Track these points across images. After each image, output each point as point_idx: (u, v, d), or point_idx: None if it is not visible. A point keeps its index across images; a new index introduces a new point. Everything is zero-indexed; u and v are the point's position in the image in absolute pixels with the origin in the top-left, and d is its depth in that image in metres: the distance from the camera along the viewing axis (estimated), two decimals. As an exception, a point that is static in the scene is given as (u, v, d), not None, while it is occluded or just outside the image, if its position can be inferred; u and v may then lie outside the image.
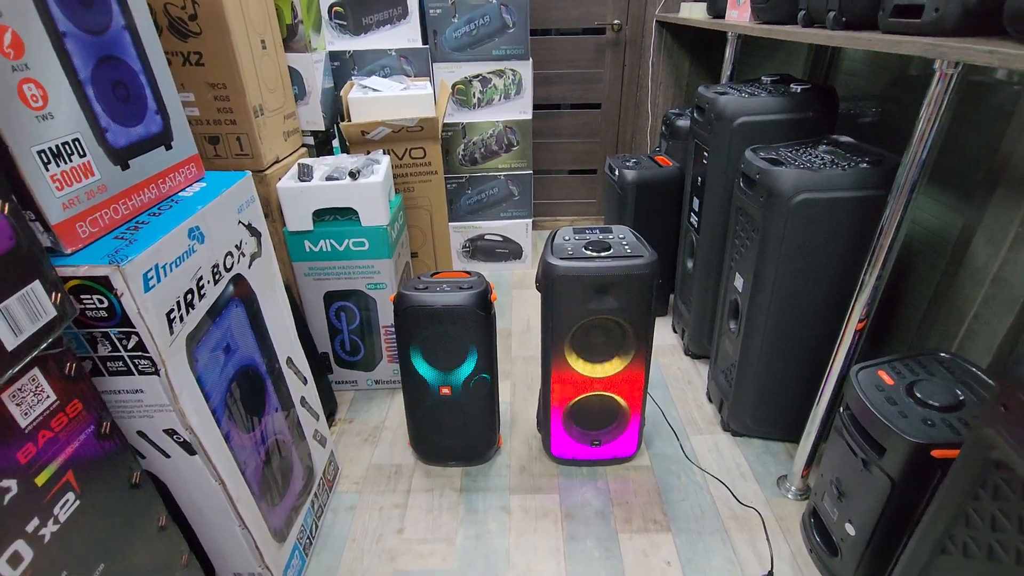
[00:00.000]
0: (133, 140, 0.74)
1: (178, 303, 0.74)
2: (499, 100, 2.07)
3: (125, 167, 0.72)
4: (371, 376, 1.63)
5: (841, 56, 1.55)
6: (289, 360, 1.09)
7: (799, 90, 1.32)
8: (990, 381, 0.86)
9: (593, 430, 1.31)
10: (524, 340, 1.89)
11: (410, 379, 1.26)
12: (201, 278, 0.79)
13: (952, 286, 1.07)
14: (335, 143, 1.80)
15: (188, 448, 0.79)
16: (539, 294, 1.17)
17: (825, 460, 1.04)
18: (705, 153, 1.46)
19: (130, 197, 0.73)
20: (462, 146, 2.13)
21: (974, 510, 0.61)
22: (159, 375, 0.72)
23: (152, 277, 0.68)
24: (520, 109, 2.09)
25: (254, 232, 0.95)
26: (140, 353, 0.70)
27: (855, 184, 1.04)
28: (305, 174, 1.37)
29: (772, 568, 1.08)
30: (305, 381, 1.16)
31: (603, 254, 1.13)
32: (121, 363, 0.71)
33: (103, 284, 0.64)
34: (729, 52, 1.65)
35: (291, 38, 1.54)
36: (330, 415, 1.53)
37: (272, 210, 1.41)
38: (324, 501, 1.24)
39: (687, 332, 1.74)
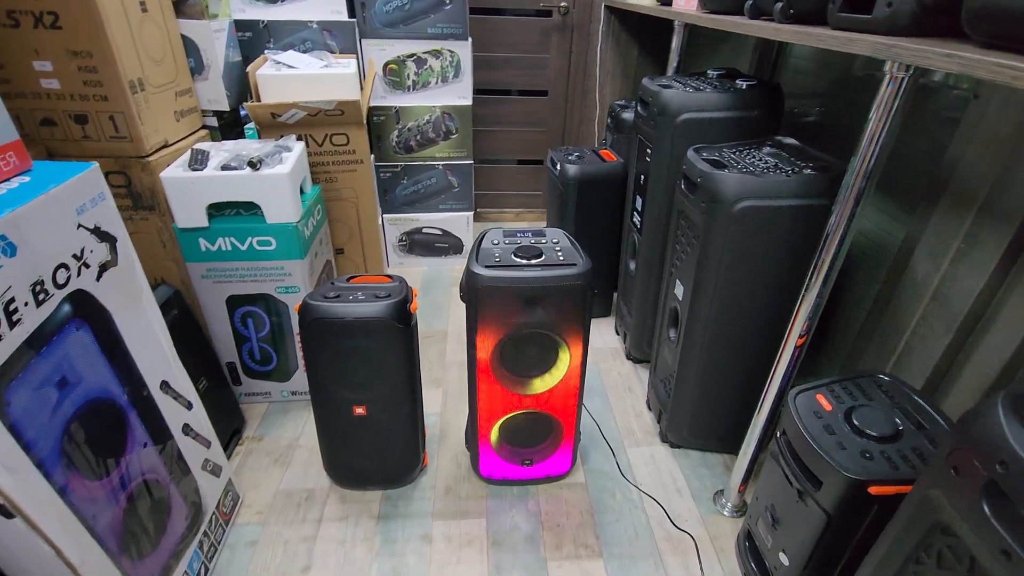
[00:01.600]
0: (-99, 122, 0.56)
1: (-29, 335, 0.57)
2: (436, 83, 1.91)
3: None
4: (286, 387, 1.47)
5: (788, 51, 1.49)
6: (164, 384, 0.93)
7: (745, 86, 1.25)
8: (927, 407, 0.82)
9: (525, 448, 1.21)
10: (461, 343, 1.77)
11: (320, 397, 1.12)
12: (12, 300, 0.62)
13: (891, 300, 1.03)
14: (249, 127, 1.61)
15: (3, 511, 0.63)
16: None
17: (761, 483, 0.98)
18: (648, 149, 1.37)
19: (-102, 198, 0.56)
20: (396, 132, 1.96)
21: (915, 574, 0.55)
22: (-56, 429, 0.56)
23: (-82, 307, 0.52)
24: (459, 94, 1.95)
25: (104, 237, 0.78)
26: (-90, 404, 0.53)
27: (799, 192, 0.97)
28: (198, 161, 1.19)
29: (705, 598, 1.02)
30: (189, 406, 1.00)
31: (533, 262, 1.02)
32: None
33: None
34: (676, 42, 1.56)
35: (183, 2, 1.33)
36: (235, 433, 1.36)
37: (159, 202, 1.22)
38: (219, 538, 1.09)
39: (628, 336, 1.67)
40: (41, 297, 0.67)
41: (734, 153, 1.12)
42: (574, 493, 1.24)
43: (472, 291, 1.01)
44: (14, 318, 0.63)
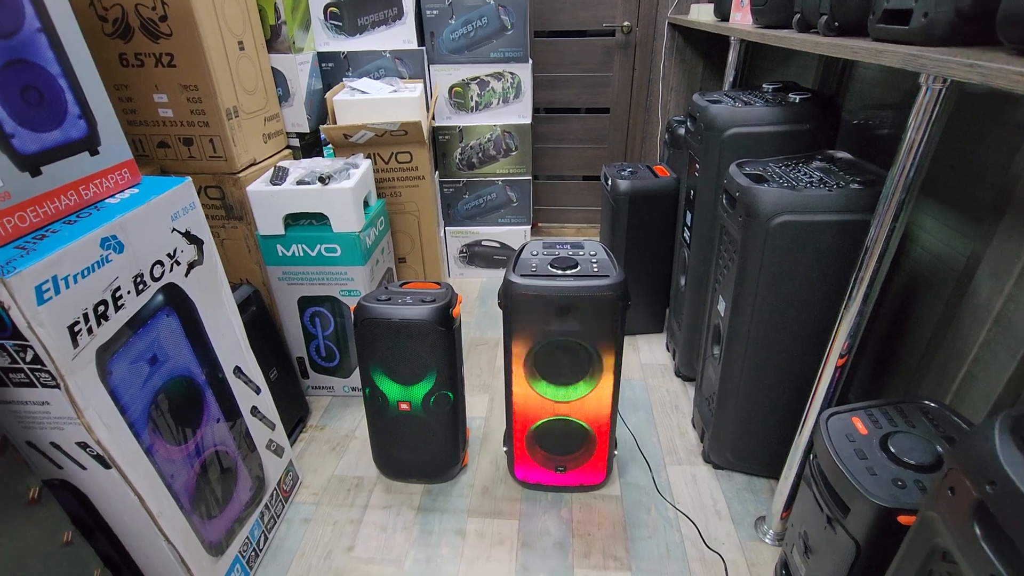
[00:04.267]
0: (47, 146, 0.72)
1: (85, 315, 0.71)
2: (497, 104, 2.01)
3: (36, 173, 0.70)
4: (347, 383, 1.60)
5: (855, 63, 1.43)
6: (237, 369, 1.07)
7: (797, 99, 1.22)
8: (978, 438, 0.76)
9: (558, 455, 1.24)
10: (511, 352, 1.83)
11: (370, 392, 1.22)
12: (118, 288, 0.77)
13: (953, 322, 0.95)
14: (328, 146, 1.78)
15: (102, 461, 0.77)
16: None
17: (796, 510, 0.95)
18: (697, 164, 1.37)
19: (41, 205, 0.71)
20: (459, 150, 2.08)
21: (919, 603, 0.52)
22: (60, 388, 0.70)
23: (48, 289, 0.66)
24: (519, 113, 2.03)
25: (193, 240, 0.92)
26: (39, 366, 0.68)
27: (840, 207, 0.94)
28: (279, 177, 1.35)
29: (732, 623, 0.99)
30: (258, 390, 1.14)
31: (567, 272, 1.06)
32: (23, 375, 0.69)
33: (-10, 296, 0.62)
34: (732, 57, 1.55)
35: (275, 39, 1.52)
36: (300, 421, 1.51)
37: (247, 213, 1.39)
38: (278, 512, 1.22)
39: (678, 353, 1.65)
40: (140, 287, 0.81)
41: (779, 167, 1.10)
42: (608, 504, 1.25)
43: (507, 298, 1.07)
44: (119, 303, 0.77)
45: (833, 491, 0.78)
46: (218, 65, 1.25)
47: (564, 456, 1.23)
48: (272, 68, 1.52)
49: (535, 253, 1.15)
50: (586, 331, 1.07)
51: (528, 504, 1.26)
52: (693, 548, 1.14)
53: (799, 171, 1.07)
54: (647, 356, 1.79)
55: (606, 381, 1.13)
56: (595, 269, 1.07)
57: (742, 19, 1.41)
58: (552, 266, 1.08)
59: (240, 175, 1.35)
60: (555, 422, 1.19)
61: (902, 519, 0.69)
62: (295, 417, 1.48)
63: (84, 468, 0.78)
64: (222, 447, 1.02)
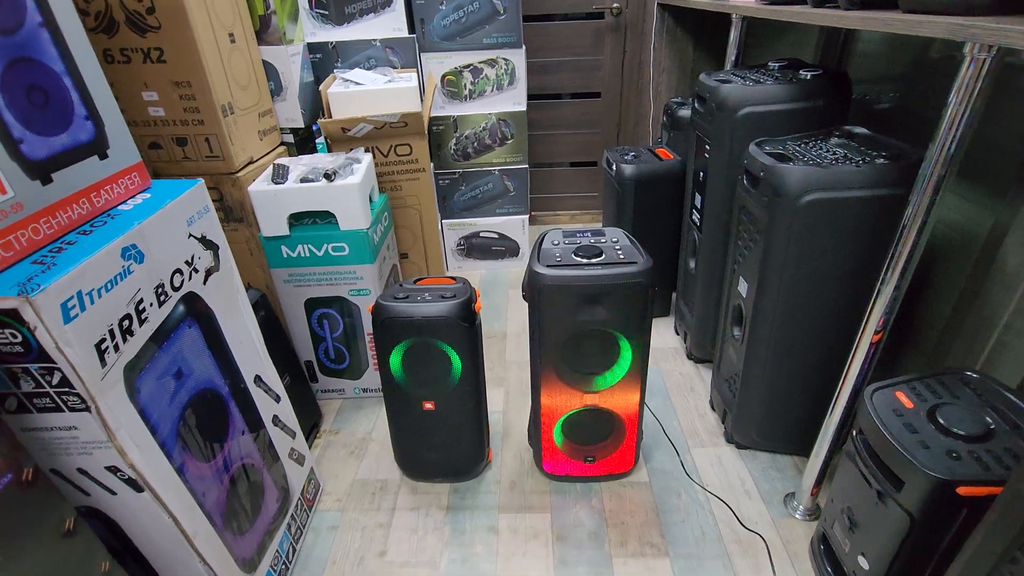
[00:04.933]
0: (56, 151, 0.66)
1: (111, 331, 0.67)
2: (492, 91, 1.97)
3: (47, 181, 0.65)
4: (358, 384, 1.56)
5: (856, 36, 1.43)
6: (257, 378, 1.02)
7: (809, 76, 1.21)
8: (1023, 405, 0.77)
9: (587, 445, 1.23)
10: (520, 343, 1.81)
11: (392, 392, 1.19)
12: (141, 301, 0.72)
13: (980, 293, 0.97)
14: (319, 140, 1.72)
15: (134, 485, 0.73)
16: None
17: (836, 485, 0.95)
18: (707, 146, 1.36)
19: (54, 215, 0.66)
20: (454, 140, 2.04)
21: (1011, 574, 0.52)
22: (91, 412, 0.65)
23: (74, 306, 0.61)
24: (514, 100, 1.99)
25: (209, 245, 0.87)
26: (66, 389, 0.63)
27: (871, 182, 0.94)
28: (280, 176, 1.30)
29: (778, 600, 1.00)
30: (278, 399, 1.10)
31: (594, 261, 1.04)
32: (48, 400, 0.64)
33: (13, 317, 0.57)
34: (734, 35, 1.54)
35: (264, 30, 1.45)
36: (314, 426, 1.46)
37: (247, 214, 1.34)
38: (304, 521, 1.18)
39: (689, 335, 1.65)
40: (162, 298, 0.76)
41: (799, 145, 1.09)
42: (638, 492, 1.25)
43: (535, 290, 1.04)
44: (143, 316, 0.72)
45: (884, 466, 0.79)
46: (211, 59, 1.18)
47: (593, 445, 1.23)
48: (263, 61, 1.45)
49: (556, 243, 1.13)
50: (615, 319, 1.05)
51: (558, 496, 1.25)
52: (728, 529, 1.15)
53: (820, 148, 1.06)
54: (657, 340, 1.79)
55: (635, 367, 1.12)
56: (621, 256, 1.06)
57: (744, -3, 1.39)
58: (577, 255, 1.06)
59: (239, 175, 1.29)
60: (584, 412, 1.18)
61: (961, 491, 0.70)
62: (309, 423, 1.43)
63: (114, 493, 0.74)
64: (248, 460, 0.98)
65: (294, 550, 1.13)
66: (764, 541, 1.11)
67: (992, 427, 0.74)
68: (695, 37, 2.18)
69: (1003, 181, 0.96)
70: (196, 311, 0.85)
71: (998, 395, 0.79)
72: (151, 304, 0.74)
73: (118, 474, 0.72)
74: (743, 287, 1.19)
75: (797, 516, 1.16)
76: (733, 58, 1.55)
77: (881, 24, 0.80)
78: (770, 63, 1.39)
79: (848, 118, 1.23)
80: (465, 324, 1.11)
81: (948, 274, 1.08)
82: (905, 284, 0.86)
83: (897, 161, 0.95)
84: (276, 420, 1.09)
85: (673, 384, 1.59)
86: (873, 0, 0.89)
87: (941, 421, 0.76)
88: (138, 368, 0.72)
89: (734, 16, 1.50)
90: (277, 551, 1.06)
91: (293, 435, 1.16)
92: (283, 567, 1.07)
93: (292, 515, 1.13)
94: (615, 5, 2.19)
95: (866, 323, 0.92)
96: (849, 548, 0.91)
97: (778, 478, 1.25)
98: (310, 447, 1.41)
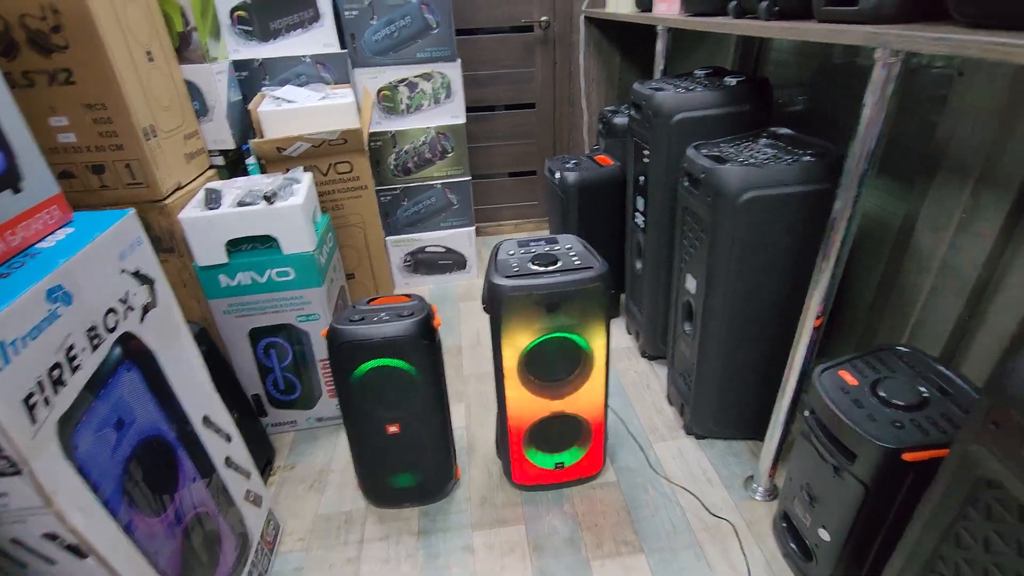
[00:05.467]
0: (-40, 186, 0.59)
1: (40, 384, 0.60)
2: (429, 105, 1.96)
3: (-50, 221, 0.57)
4: (312, 414, 1.49)
5: (769, 46, 1.55)
6: (206, 419, 0.95)
7: (735, 83, 1.30)
8: (949, 373, 0.85)
9: (555, 452, 1.23)
10: (476, 356, 1.80)
11: (353, 419, 1.14)
12: (72, 347, 0.65)
13: (899, 275, 1.07)
14: (250, 162, 1.64)
15: (77, 551, 0.65)
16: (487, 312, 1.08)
17: (793, 464, 1.01)
18: (645, 151, 1.41)
19: (-39, 258, 0.58)
20: (393, 155, 2.00)
21: (965, 530, 0.57)
22: (22, 475, 0.58)
23: (-6, 359, 0.54)
24: (452, 113, 1.99)
25: (144, 280, 0.80)
26: (-11, 454, 0.55)
27: (802, 179, 1.01)
28: (213, 201, 1.22)
29: (750, 581, 1.04)
30: (229, 438, 1.02)
31: (551, 268, 1.05)
32: (-34, 468, 0.56)
33: (-80, 378, 0.49)
34: (660, 46, 1.62)
35: (184, 48, 1.37)
36: (267, 463, 1.38)
37: (177, 244, 1.24)
38: (265, 567, 1.10)
39: (641, 334, 1.70)
40: (96, 342, 0.69)
41: (732, 147, 1.16)
42: (607, 492, 1.26)
43: (495, 301, 1.04)
44: (75, 363, 0.65)
45: (837, 441, 0.84)
46: (128, 79, 1.10)
47: (561, 451, 1.23)
48: (185, 80, 1.36)
49: (512, 253, 1.13)
50: (577, 324, 1.07)
51: (530, 507, 1.24)
52: (695, 518, 1.18)
53: (751, 149, 1.14)
54: (610, 342, 1.82)
55: (598, 371, 1.14)
56: (577, 262, 1.07)
57: (668, 9, 1.47)
58: (534, 264, 1.07)
59: (167, 202, 1.20)
60: (551, 419, 1.18)
61: (907, 457, 0.76)
62: (262, 460, 1.35)
63: (53, 563, 0.66)
64: (202, 508, 0.91)
65: (257, 600, 1.05)
66: (731, 525, 1.15)
67: (926, 396, 0.82)
68: (621, 48, 2.27)
69: (910, 173, 1.06)
70: (134, 352, 0.77)
71: (928, 366, 0.87)
72: (83, 349, 0.67)
73: (57, 541, 0.64)
74: (691, 284, 1.24)
75: (757, 498, 1.22)
76: (662, 67, 1.63)
77: (803, 34, 0.87)
78: (696, 71, 1.48)
79: (771, 120, 1.32)
80: (426, 341, 1.09)
81: (870, 260, 1.19)
82: (839, 271, 0.93)
83: (823, 158, 1.03)
84: (229, 462, 1.01)
85: (629, 383, 1.63)
86: (790, 11, 0.97)
87: (883, 394, 0.83)
88: (73, 421, 0.64)
89: (660, 28, 1.58)
90: (239, 603, 0.98)
91: (248, 475, 1.08)
92: (247, 620, 1.00)
93: (252, 562, 1.05)
94: (543, 19, 2.25)
95: (807, 309, 0.98)
96: (810, 522, 0.96)
97: (736, 463, 1.31)
98: (265, 485, 1.32)
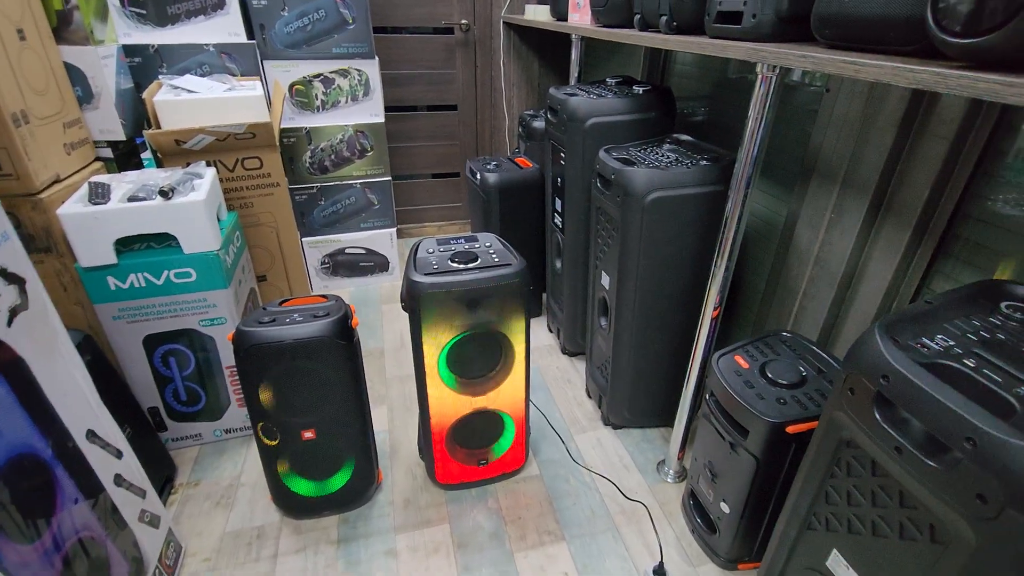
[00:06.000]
0: None
1: None
2: (346, 102, 1.90)
3: None
4: (219, 426, 1.39)
5: (673, 59, 1.66)
6: (91, 433, 0.86)
7: (642, 91, 1.38)
8: (823, 354, 0.96)
9: (479, 449, 1.24)
10: (399, 358, 1.77)
11: (264, 426, 1.08)
12: (-83, 354, 0.57)
13: (784, 269, 1.18)
14: (145, 155, 1.51)
15: (-78, 591, 0.57)
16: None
17: (697, 444, 1.09)
18: (562, 154, 1.47)
19: None
20: (308, 152, 1.93)
21: (832, 487, 0.65)
22: None
23: None
24: (371, 112, 1.95)
25: (12, 279, 0.72)
26: None
27: (699, 181, 1.09)
28: (99, 195, 1.11)
29: (662, 558, 1.11)
30: (119, 454, 0.93)
31: (470, 266, 1.06)
32: None
33: None
34: (575, 54, 1.68)
35: (64, 27, 1.24)
36: (167, 481, 1.27)
37: (56, 242, 1.12)
38: (164, 593, 1.02)
39: (561, 331, 1.76)
40: (-52, 349, 0.61)
41: (639, 151, 1.24)
42: (531, 485, 1.29)
43: (414, 299, 1.03)
44: (-80, 373, 0.57)
45: (733, 420, 0.92)
46: (-9, 57, 0.98)
47: (484, 448, 1.24)
48: (65, 63, 1.23)
49: (431, 251, 1.13)
50: (496, 320, 1.09)
51: (454, 505, 1.24)
52: (613, 503, 1.24)
53: (656, 153, 1.21)
54: (533, 340, 1.85)
55: (519, 366, 1.16)
56: (496, 260, 1.09)
57: (580, 19, 1.54)
58: (453, 261, 1.08)
59: (42, 196, 1.08)
60: (473, 416, 1.19)
61: (789, 429, 0.84)
62: (160, 478, 1.24)
63: None
64: (86, 532, 0.82)
65: (156, 628, 0.96)
66: (645, 507, 1.22)
67: (805, 375, 0.91)
68: (539, 54, 2.34)
69: (792, 179, 1.19)
70: (1, 360, 0.69)
71: (806, 348, 0.98)
72: (-67, 357, 0.59)
73: None
74: (606, 280, 1.30)
75: (669, 480, 1.30)
76: (576, 74, 1.70)
77: (698, 47, 0.94)
78: (608, 79, 1.55)
79: (674, 127, 1.42)
80: (342, 342, 1.06)
81: (761, 255, 1.31)
82: (732, 265, 1.02)
83: (717, 163, 1.12)
84: (119, 480, 0.93)
85: (551, 378, 1.67)
86: (686, 27, 1.05)
87: (769, 375, 0.92)
88: (-81, 439, 0.56)
89: (574, 36, 1.64)
90: (134, 634, 0.90)
91: (143, 494, 0.99)
92: (143, 651, 0.91)
93: (149, 588, 0.97)
94: (463, 21, 2.26)
95: (706, 301, 1.07)
96: (713, 497, 1.04)
97: (650, 449, 1.39)
98: (165, 505, 1.22)
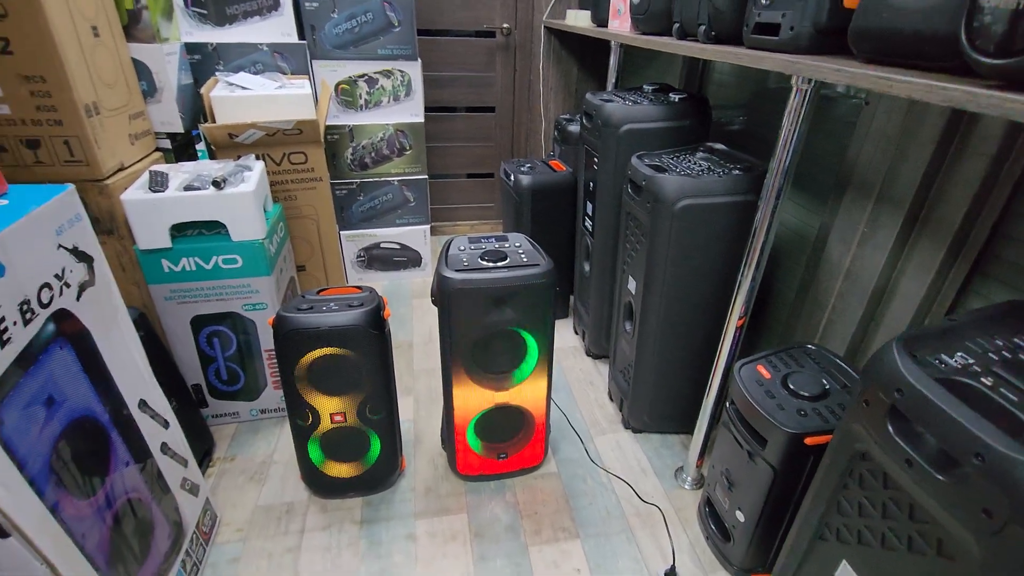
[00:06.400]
0: None
1: (-33, 354, 0.59)
2: (388, 102, 1.97)
3: None
4: (255, 406, 1.47)
5: (712, 68, 1.66)
6: (142, 403, 0.94)
7: (677, 99, 1.39)
8: (848, 368, 0.95)
9: (499, 443, 1.27)
10: (427, 352, 1.82)
11: (297, 408, 1.14)
12: (2, 320, 0.63)
13: (813, 281, 1.17)
14: (200, 147, 1.60)
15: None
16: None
17: (715, 452, 1.09)
18: (595, 159, 1.49)
19: None
20: (350, 150, 2.00)
21: (844, 498, 0.65)
22: (-58, 448, 0.56)
23: (-80, 326, 0.53)
24: (411, 112, 2.01)
25: (82, 257, 0.79)
26: (-91, 424, 0.54)
27: (730, 190, 1.10)
28: (158, 183, 1.19)
29: (674, 562, 1.11)
30: (166, 424, 1.01)
31: (499, 264, 1.10)
32: None
33: None
34: (613, 60, 1.70)
35: (134, 26, 1.33)
36: (206, 454, 1.35)
37: (118, 226, 1.21)
38: (200, 557, 1.09)
39: (587, 334, 1.77)
40: (28, 316, 0.68)
41: (672, 158, 1.24)
42: (548, 482, 1.32)
43: (444, 294, 1.07)
44: (4, 336, 0.64)
45: (752, 428, 0.93)
46: (71, 53, 1.06)
47: (505, 443, 1.27)
48: (133, 59, 1.32)
49: (463, 248, 1.16)
50: (522, 318, 1.12)
51: (473, 496, 1.28)
52: (628, 505, 1.25)
53: (689, 161, 1.22)
54: (558, 341, 1.89)
55: (541, 364, 1.19)
56: (524, 259, 1.12)
57: (620, 26, 1.55)
58: (483, 259, 1.11)
59: (108, 182, 1.17)
60: (495, 411, 1.22)
61: (808, 441, 0.84)
62: (200, 451, 1.32)
63: (-31, 543, 0.64)
64: (134, 493, 0.89)
65: (190, 589, 1.03)
66: (660, 511, 1.23)
67: (827, 388, 0.91)
68: (579, 59, 2.36)
69: (825, 190, 1.18)
70: (69, 330, 0.76)
71: (831, 362, 0.97)
72: (14, 323, 0.66)
73: (-24, 520, 0.62)
74: (632, 285, 1.32)
75: (686, 487, 1.30)
76: (613, 80, 1.72)
77: (734, 58, 0.95)
78: (644, 86, 1.56)
79: (709, 136, 1.42)
80: (375, 331, 1.11)
81: (791, 267, 1.30)
82: (760, 275, 1.02)
83: (749, 172, 1.12)
84: (165, 448, 1.00)
85: (574, 380, 1.69)
86: (725, 37, 1.06)
87: (791, 386, 0.92)
88: (0, 396, 0.63)
89: (613, 43, 1.66)
90: (171, 592, 0.96)
91: (185, 463, 1.07)
92: (178, 609, 0.98)
93: (187, 551, 1.04)
94: (505, 25, 2.30)
95: (732, 310, 1.07)
96: (728, 505, 1.04)
97: (669, 455, 1.39)
98: (204, 476, 1.29)
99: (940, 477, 0.50)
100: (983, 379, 0.52)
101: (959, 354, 0.55)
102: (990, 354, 0.55)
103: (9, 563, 0.66)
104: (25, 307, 0.67)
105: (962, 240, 0.89)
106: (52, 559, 0.68)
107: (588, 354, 1.80)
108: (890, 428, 0.55)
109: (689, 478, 1.30)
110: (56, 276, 0.74)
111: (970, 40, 0.55)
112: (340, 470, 1.22)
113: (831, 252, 1.12)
